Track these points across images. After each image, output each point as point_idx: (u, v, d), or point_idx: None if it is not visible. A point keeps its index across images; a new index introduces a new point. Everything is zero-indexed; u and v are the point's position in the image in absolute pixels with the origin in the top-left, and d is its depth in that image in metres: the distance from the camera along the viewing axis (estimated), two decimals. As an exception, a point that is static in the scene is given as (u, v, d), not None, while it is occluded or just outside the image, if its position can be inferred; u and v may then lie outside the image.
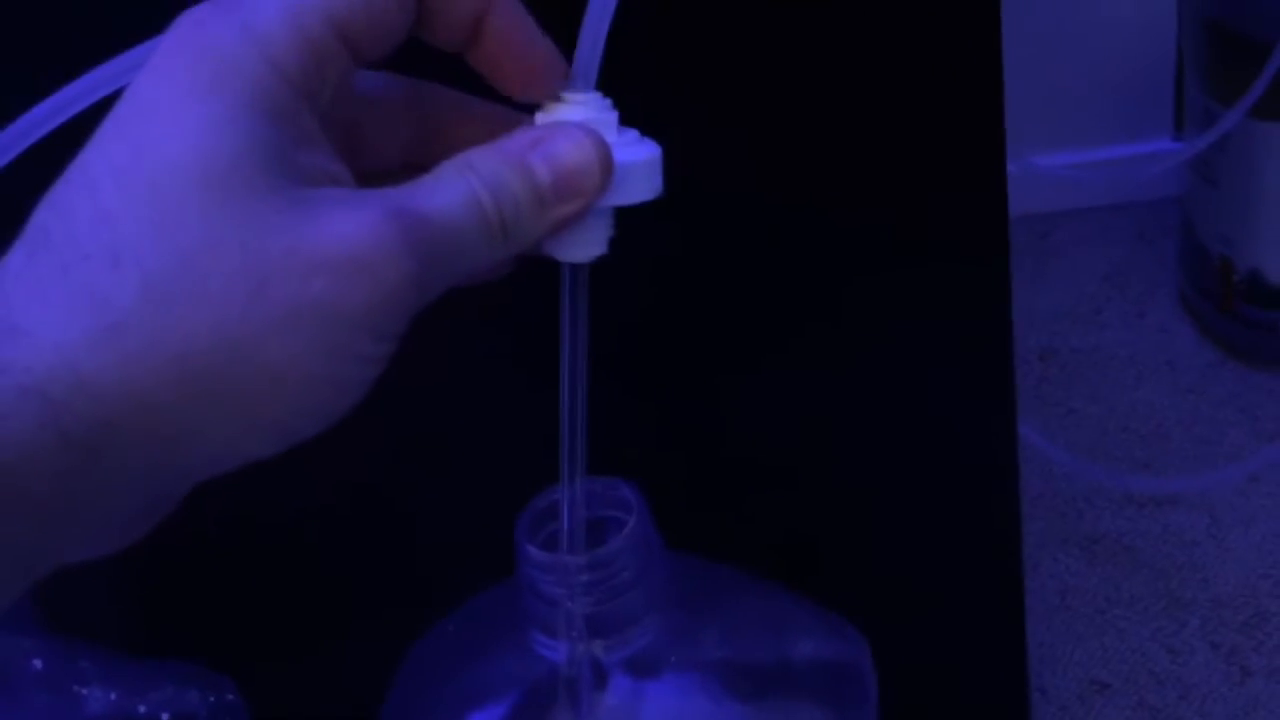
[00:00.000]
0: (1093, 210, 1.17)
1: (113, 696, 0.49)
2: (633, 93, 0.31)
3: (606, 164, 0.29)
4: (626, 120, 0.31)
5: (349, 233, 0.26)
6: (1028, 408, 0.97)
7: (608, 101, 0.30)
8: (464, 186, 0.28)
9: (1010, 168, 0.50)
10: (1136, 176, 1.07)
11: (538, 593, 0.37)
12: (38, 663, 0.48)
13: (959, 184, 0.49)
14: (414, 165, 0.31)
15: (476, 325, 0.44)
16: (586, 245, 0.30)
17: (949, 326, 0.52)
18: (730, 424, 0.53)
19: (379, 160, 0.31)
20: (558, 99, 0.30)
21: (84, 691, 0.49)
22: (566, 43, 0.30)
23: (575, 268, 0.31)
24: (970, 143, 0.49)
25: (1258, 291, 0.93)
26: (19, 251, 0.26)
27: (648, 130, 0.31)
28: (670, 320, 0.50)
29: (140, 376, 0.24)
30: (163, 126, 0.26)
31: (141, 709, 0.49)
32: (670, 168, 0.30)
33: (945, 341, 0.52)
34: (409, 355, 0.35)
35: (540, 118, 0.30)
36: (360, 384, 0.27)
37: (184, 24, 0.27)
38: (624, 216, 0.31)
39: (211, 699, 0.51)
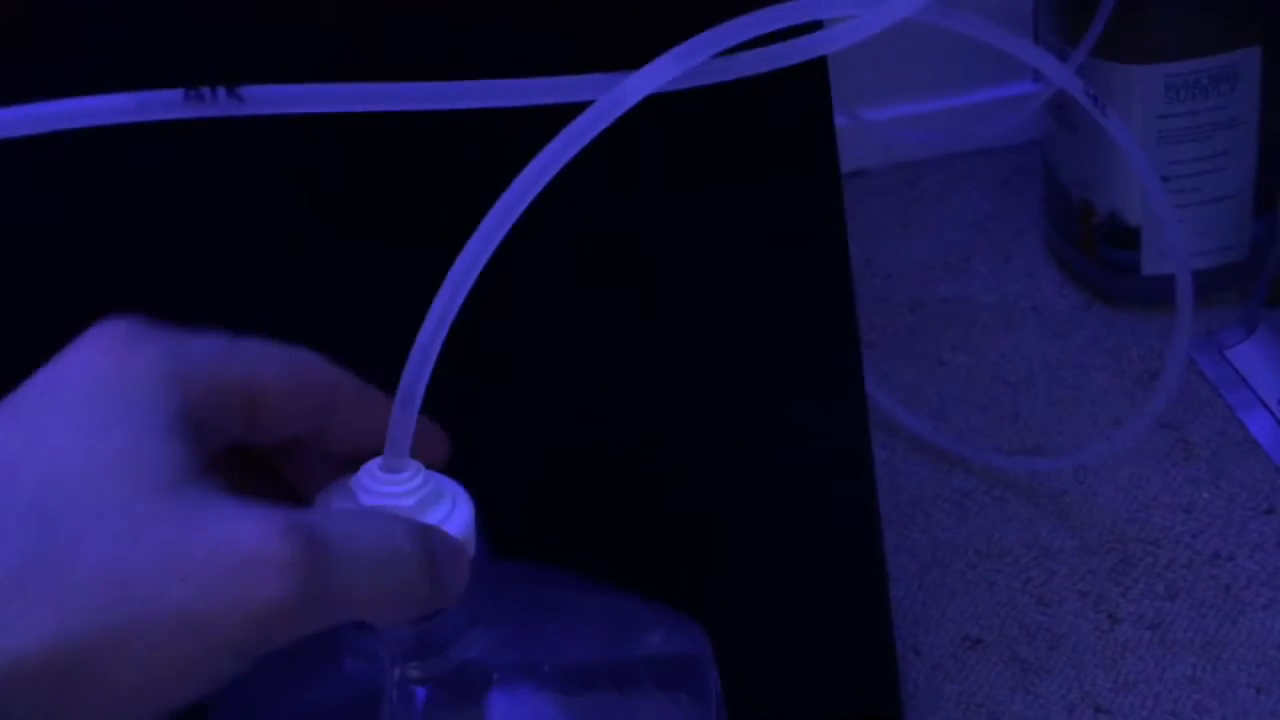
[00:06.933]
0: (960, 156, 1.17)
1: None
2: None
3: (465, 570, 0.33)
4: None
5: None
6: (899, 360, 0.96)
7: (421, 475, 0.32)
8: None
9: (839, 120, 0.48)
10: (1000, 122, 1.06)
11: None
12: None
13: (785, 144, 0.48)
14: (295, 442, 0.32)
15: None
16: None
17: (789, 297, 0.51)
18: (574, 413, 0.52)
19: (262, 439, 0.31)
20: (371, 473, 0.31)
21: None
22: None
23: None
24: (795, 101, 0.47)
25: (1118, 233, 0.93)
26: None
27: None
28: (506, 310, 0.48)
29: None
30: (56, 430, 0.25)
31: None
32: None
33: (786, 313, 0.51)
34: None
35: (363, 490, 0.31)
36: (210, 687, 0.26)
37: (114, 336, 0.27)
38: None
39: None
